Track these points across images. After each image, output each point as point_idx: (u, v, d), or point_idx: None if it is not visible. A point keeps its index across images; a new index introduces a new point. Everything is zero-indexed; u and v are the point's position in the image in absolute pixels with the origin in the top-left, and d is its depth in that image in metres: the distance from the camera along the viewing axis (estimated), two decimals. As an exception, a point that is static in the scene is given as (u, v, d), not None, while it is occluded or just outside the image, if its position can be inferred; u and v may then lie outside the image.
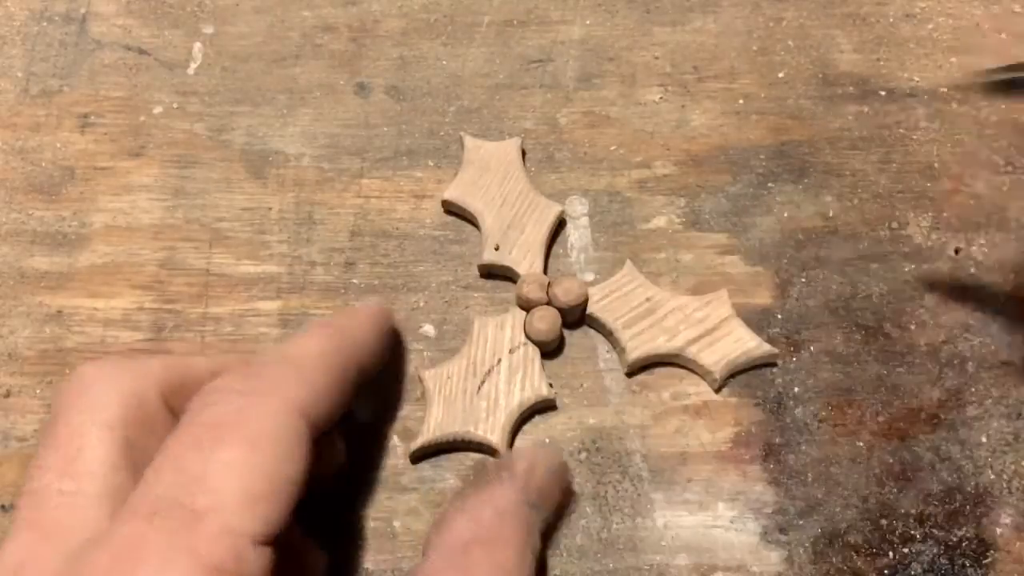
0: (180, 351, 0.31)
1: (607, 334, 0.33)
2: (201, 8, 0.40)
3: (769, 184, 0.36)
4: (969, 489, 0.31)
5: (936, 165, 0.36)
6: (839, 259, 0.34)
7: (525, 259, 0.34)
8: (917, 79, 0.38)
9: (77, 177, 0.36)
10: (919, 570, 0.30)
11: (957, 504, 0.31)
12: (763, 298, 0.34)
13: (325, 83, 0.38)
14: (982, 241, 0.34)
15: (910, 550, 0.30)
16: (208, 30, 0.39)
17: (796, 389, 0.33)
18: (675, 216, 0.35)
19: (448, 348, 0.33)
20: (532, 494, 0.26)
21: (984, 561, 0.30)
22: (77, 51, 0.39)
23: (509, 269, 0.34)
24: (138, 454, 0.24)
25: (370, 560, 0.30)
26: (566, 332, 0.33)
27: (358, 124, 0.37)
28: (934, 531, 0.30)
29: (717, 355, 0.32)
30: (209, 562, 0.20)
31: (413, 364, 0.33)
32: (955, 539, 0.30)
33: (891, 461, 0.31)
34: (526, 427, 0.32)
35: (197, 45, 0.39)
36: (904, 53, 0.39)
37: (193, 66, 0.38)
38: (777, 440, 0.32)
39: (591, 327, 0.34)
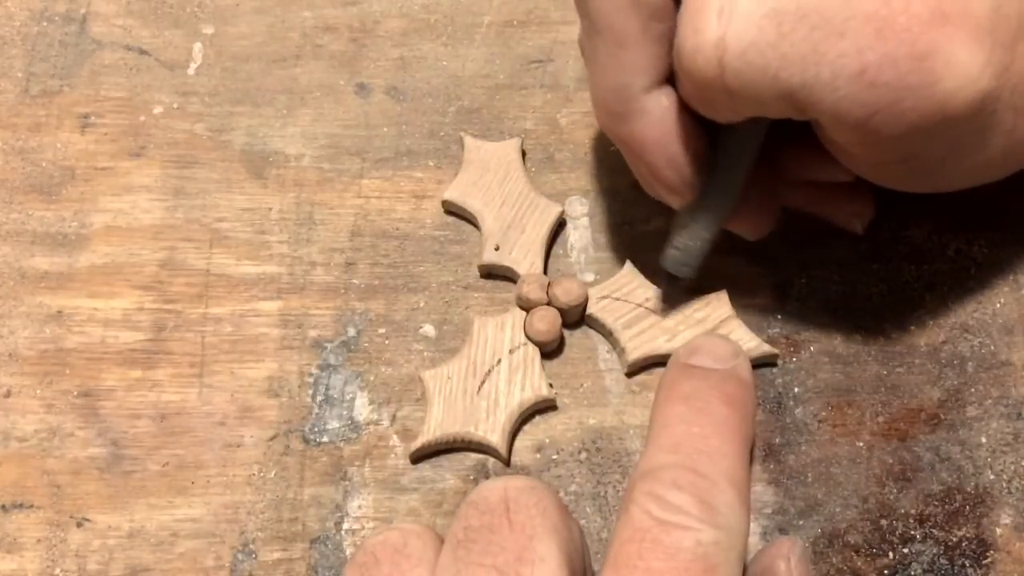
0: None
1: (607, 334, 0.33)
2: (201, 8, 0.40)
3: (769, 184, 0.36)
4: (969, 489, 0.31)
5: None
6: (839, 259, 0.34)
7: (525, 259, 0.34)
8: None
9: (77, 177, 0.36)
10: (919, 570, 0.30)
11: (957, 504, 0.31)
12: (763, 298, 0.34)
13: (325, 83, 0.38)
14: (982, 241, 0.34)
15: (910, 550, 0.30)
16: (208, 30, 0.39)
17: (796, 389, 0.33)
18: (675, 216, 0.35)
19: (448, 348, 0.33)
20: None
21: (984, 561, 0.30)
22: (77, 51, 0.39)
23: (509, 269, 0.34)
24: None
25: (370, 560, 0.30)
26: (566, 332, 0.33)
27: (358, 124, 0.37)
28: (934, 531, 0.30)
29: (717, 355, 0.32)
30: None
31: (413, 364, 0.33)
32: (955, 539, 0.30)
33: (891, 461, 0.31)
34: (526, 427, 0.32)
35: (197, 45, 0.39)
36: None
37: (193, 66, 0.38)
38: (777, 440, 0.32)
39: (591, 327, 0.34)
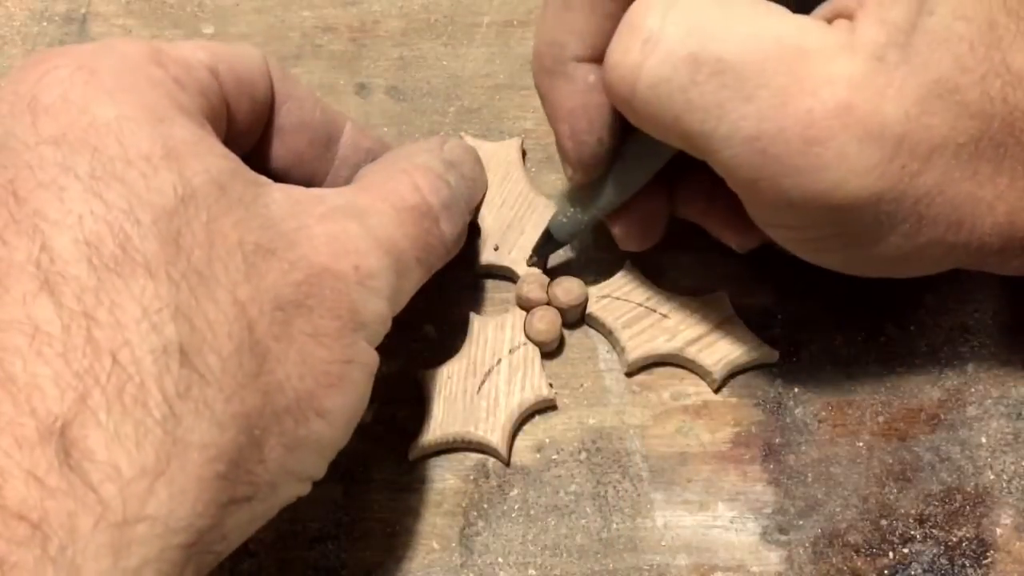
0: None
1: (607, 334, 0.33)
2: (201, 8, 0.40)
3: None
4: (969, 489, 0.31)
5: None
6: (839, 259, 0.34)
7: (525, 259, 0.34)
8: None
9: (77, 177, 0.36)
10: (919, 570, 0.30)
11: (957, 504, 0.31)
12: (763, 298, 0.34)
13: (325, 83, 0.38)
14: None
15: (910, 550, 0.30)
16: (208, 30, 0.39)
17: (796, 389, 0.33)
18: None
19: (448, 348, 0.33)
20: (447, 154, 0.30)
21: (984, 561, 0.30)
22: (77, 51, 0.39)
23: (509, 269, 0.34)
24: None
25: (369, 561, 0.30)
26: (566, 332, 0.33)
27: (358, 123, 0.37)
28: (934, 531, 0.30)
29: (717, 355, 0.32)
30: None
31: (413, 364, 0.33)
32: (955, 539, 0.30)
33: (891, 461, 0.31)
34: (526, 427, 0.32)
35: (196, 41, 0.39)
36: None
37: (193, 66, 0.38)
38: (777, 440, 0.32)
39: (591, 327, 0.34)
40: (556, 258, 0.35)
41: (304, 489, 0.24)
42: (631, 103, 0.27)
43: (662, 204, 0.32)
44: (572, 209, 0.32)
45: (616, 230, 0.32)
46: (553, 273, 0.34)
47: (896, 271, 0.29)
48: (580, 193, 0.32)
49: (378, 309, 0.25)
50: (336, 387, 0.24)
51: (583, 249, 0.35)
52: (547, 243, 0.33)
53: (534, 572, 0.30)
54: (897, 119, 0.24)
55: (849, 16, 0.25)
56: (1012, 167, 0.26)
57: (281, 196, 0.24)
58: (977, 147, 0.25)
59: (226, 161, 0.23)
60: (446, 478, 0.31)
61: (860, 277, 0.34)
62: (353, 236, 0.25)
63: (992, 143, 0.25)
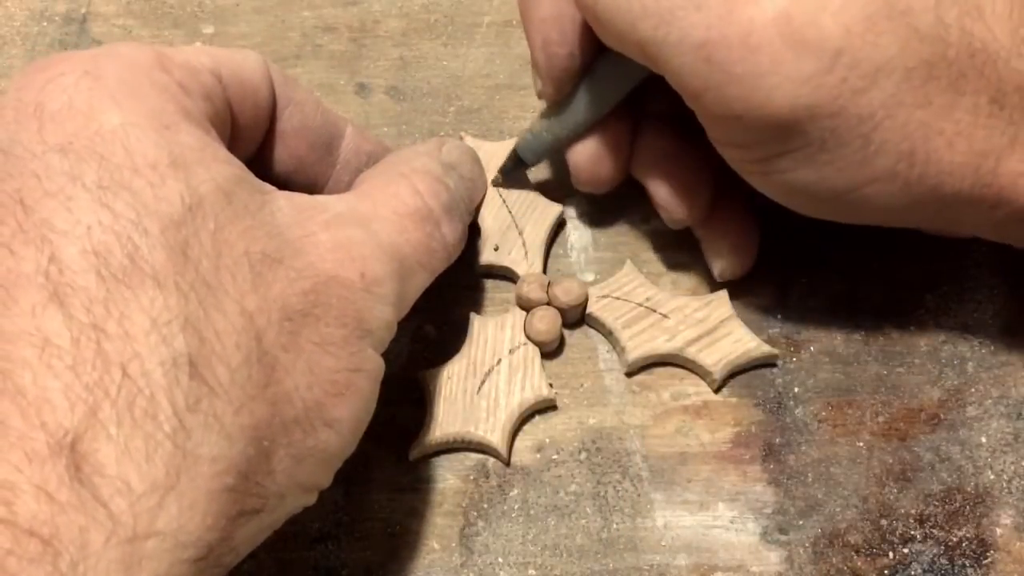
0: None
1: (607, 334, 0.33)
2: (201, 8, 0.40)
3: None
4: (969, 489, 0.31)
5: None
6: (839, 259, 0.34)
7: (525, 259, 0.34)
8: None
9: (77, 177, 0.36)
10: (919, 570, 0.30)
11: (957, 504, 0.31)
12: (763, 298, 0.34)
13: (325, 83, 0.38)
14: (982, 241, 0.34)
15: (910, 550, 0.30)
16: (208, 30, 0.39)
17: (796, 389, 0.33)
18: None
19: (448, 348, 0.33)
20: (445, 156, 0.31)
21: (984, 561, 0.30)
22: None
23: (509, 269, 0.34)
24: None
25: (369, 561, 0.30)
26: (566, 332, 0.33)
27: (358, 124, 0.37)
28: (934, 531, 0.30)
29: (717, 355, 0.32)
30: None
31: (413, 364, 0.33)
32: (955, 539, 0.30)
33: (891, 461, 0.31)
34: (526, 427, 0.32)
35: (197, 45, 0.39)
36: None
37: (193, 66, 0.38)
38: (777, 440, 0.32)
39: (591, 327, 0.34)
40: (556, 259, 0.35)
41: (311, 499, 0.24)
42: (594, 9, 0.27)
43: (622, 144, 0.33)
44: (538, 127, 0.33)
45: (572, 159, 0.33)
46: (553, 273, 0.34)
47: (859, 213, 0.29)
48: (549, 112, 0.33)
49: (383, 316, 0.25)
50: (344, 396, 0.24)
51: (582, 249, 0.35)
52: (513, 164, 0.34)
53: (534, 572, 0.30)
54: (836, 33, 0.25)
55: None
56: (974, 102, 0.26)
57: (286, 203, 0.24)
58: (931, 73, 0.25)
59: (231, 168, 0.23)
60: (446, 478, 0.31)
61: (860, 275, 0.34)
62: (358, 243, 0.25)
63: (949, 71, 0.25)
